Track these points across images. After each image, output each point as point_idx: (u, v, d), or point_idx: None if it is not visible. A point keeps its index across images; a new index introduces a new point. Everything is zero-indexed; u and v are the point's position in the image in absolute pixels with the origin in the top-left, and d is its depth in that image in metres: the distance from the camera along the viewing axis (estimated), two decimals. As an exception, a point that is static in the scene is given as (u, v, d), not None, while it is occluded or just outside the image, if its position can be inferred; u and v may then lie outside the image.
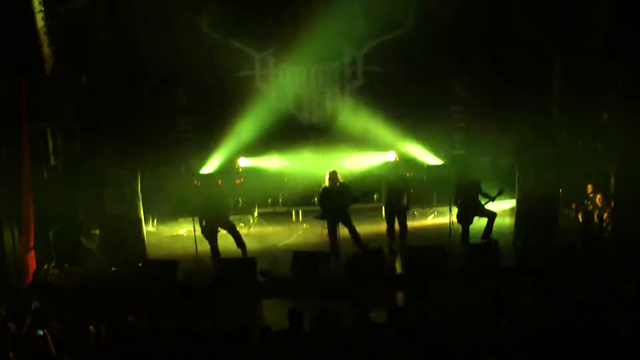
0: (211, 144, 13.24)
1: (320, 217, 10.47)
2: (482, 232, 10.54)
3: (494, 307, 6.88)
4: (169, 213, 12.71)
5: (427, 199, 12.96)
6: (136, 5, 11.94)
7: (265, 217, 12.95)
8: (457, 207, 10.49)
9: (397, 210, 10.83)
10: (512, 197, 11.21)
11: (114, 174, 10.58)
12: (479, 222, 10.60)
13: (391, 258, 10.33)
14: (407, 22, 13.52)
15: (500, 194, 10.25)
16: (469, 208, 10.42)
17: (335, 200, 10.28)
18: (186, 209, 12.29)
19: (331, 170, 10.57)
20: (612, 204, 10.82)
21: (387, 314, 6.54)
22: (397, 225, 10.90)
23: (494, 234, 10.57)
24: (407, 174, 12.30)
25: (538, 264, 9.67)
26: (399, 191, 10.82)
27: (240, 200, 10.81)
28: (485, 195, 10.40)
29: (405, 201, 10.88)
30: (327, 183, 10.47)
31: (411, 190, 11.22)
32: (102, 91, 12.10)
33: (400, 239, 10.88)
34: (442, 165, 13.04)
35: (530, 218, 10.84)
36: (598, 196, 11.28)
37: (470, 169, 10.63)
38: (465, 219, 10.45)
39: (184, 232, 12.18)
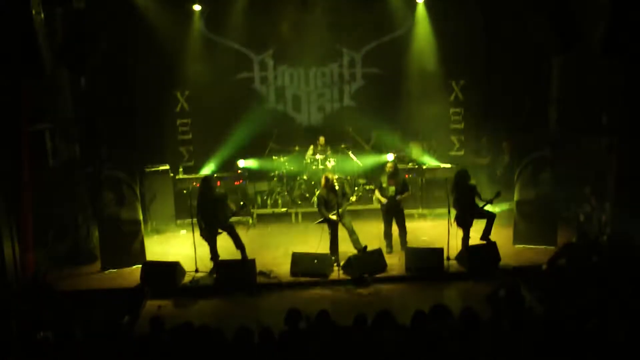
0: (210, 146, 13.26)
1: (321, 222, 10.46)
2: (480, 234, 10.51)
3: (492, 308, 6.89)
4: (168, 214, 12.67)
5: (425, 201, 12.93)
6: (134, 7, 11.97)
7: (265, 219, 12.93)
8: (456, 210, 10.48)
9: (396, 212, 10.83)
10: (511, 199, 11.21)
11: (113, 175, 10.56)
12: (478, 224, 10.58)
13: (390, 259, 10.31)
14: (406, 25, 13.57)
15: (497, 196, 10.24)
16: (467, 211, 10.41)
17: (332, 203, 10.26)
18: (185, 210, 12.30)
19: (326, 174, 10.58)
20: (610, 205, 10.82)
21: (375, 315, 6.51)
22: (394, 228, 10.90)
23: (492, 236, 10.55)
24: (407, 176, 12.31)
25: (536, 266, 9.66)
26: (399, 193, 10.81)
27: (243, 202, 10.79)
28: (482, 199, 10.39)
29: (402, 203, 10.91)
30: (322, 187, 10.45)
31: (410, 193, 11.21)
32: (101, 92, 12.12)
33: (401, 242, 10.87)
34: (440, 166, 13.06)
35: (529, 219, 10.84)
36: (594, 198, 11.28)
37: (467, 175, 10.58)
38: (464, 222, 10.43)
39: (183, 233, 12.17)
